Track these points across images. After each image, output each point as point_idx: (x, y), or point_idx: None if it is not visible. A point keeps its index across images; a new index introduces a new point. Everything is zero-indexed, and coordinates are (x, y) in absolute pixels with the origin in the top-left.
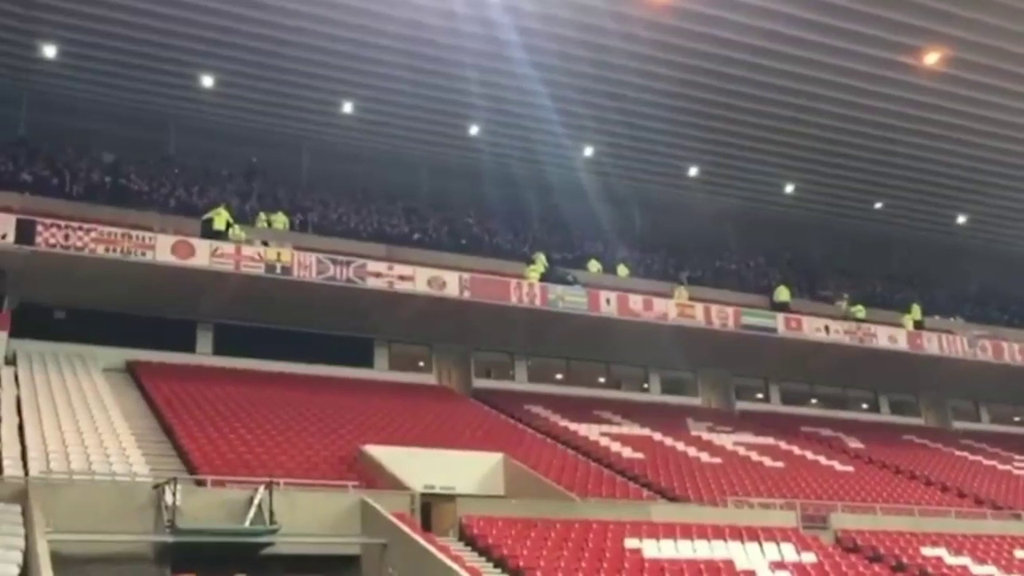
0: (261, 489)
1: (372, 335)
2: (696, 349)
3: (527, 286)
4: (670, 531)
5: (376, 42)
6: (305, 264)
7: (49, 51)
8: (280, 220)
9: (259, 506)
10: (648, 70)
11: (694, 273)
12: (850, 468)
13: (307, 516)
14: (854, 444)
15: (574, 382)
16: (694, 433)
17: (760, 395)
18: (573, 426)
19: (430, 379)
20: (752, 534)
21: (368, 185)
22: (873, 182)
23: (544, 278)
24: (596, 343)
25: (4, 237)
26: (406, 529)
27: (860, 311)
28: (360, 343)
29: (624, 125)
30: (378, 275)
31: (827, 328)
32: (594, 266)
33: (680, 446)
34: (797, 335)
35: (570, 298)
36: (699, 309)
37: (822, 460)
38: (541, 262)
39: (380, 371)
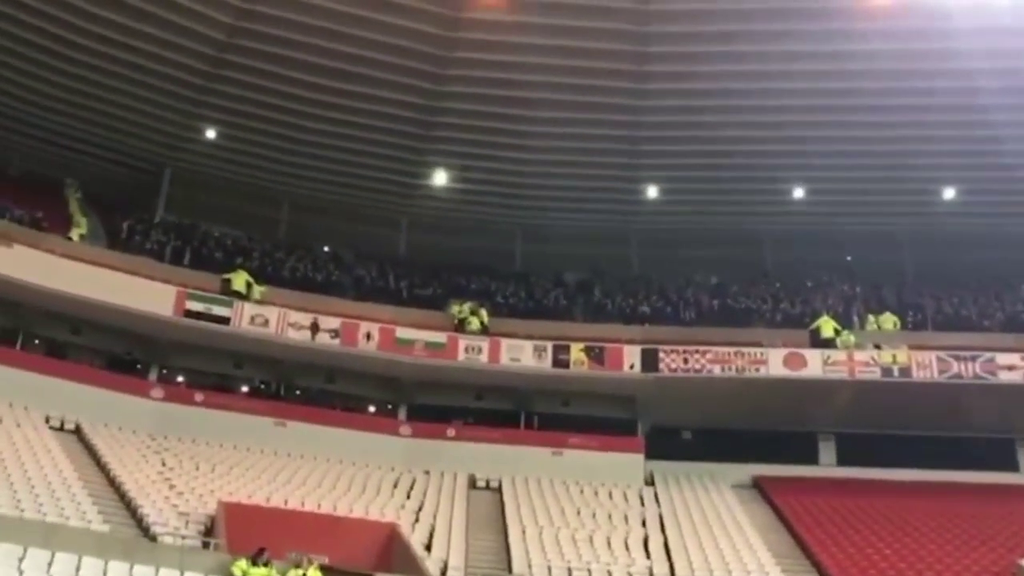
0: None
1: (1013, 435)
2: None
3: None
4: None
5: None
6: (924, 364)
7: (652, 191)
8: (889, 320)
9: None
10: None
11: None
12: None
13: None
14: None
15: None
16: None
17: None
18: None
19: None
20: None
21: (983, 272)
22: None
23: None
24: None
25: (632, 367)
26: None
27: None
28: (998, 444)
29: None
30: (1011, 368)
31: None
32: None
33: None
34: None
35: None
36: None
37: None
38: None
39: None
